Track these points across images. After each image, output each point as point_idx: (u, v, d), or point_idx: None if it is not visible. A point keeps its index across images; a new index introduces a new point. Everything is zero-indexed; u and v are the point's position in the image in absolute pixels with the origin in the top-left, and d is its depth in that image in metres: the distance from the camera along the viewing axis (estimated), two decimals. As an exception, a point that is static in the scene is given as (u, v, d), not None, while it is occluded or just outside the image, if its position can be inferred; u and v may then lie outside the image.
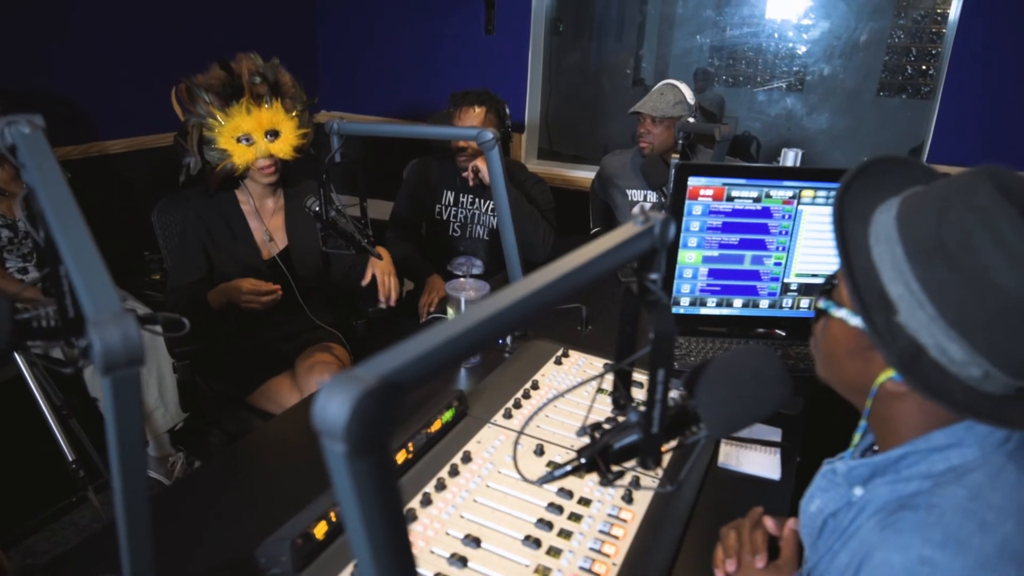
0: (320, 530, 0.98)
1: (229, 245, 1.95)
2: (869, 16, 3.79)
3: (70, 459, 1.90)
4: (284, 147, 1.88)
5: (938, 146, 2.96)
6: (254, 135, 1.82)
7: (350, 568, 0.95)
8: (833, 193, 1.49)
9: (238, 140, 1.81)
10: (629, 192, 2.59)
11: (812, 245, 1.53)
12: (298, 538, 0.94)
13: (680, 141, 2.14)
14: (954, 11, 2.83)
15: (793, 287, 1.57)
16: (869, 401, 0.79)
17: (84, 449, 1.96)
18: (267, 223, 2.02)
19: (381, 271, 1.96)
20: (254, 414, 1.95)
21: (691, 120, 2.33)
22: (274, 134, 1.86)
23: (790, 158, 2.01)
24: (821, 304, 0.82)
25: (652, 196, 2.55)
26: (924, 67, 4.01)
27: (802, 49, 4.00)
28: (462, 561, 0.98)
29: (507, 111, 2.42)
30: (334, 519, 1.00)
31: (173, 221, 2.06)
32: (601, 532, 1.07)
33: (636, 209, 2.55)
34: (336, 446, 0.45)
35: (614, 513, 1.11)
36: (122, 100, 2.88)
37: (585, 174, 3.53)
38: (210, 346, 1.99)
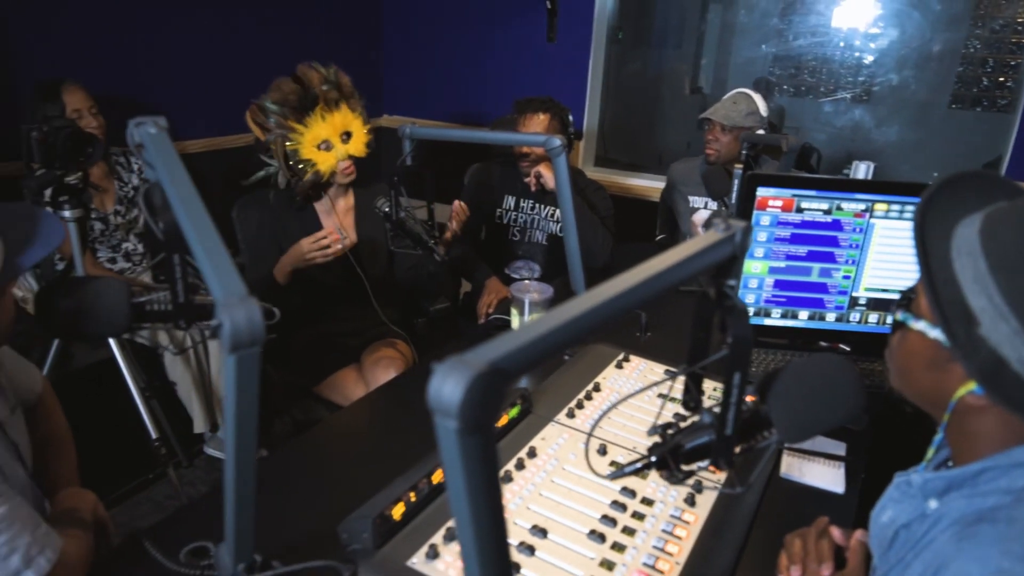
0: (397, 511, 1.04)
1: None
2: (945, 26, 3.70)
3: (153, 437, 2.02)
4: (357, 146, 1.97)
5: (1018, 160, 2.89)
6: (332, 140, 1.91)
7: (424, 548, 1.01)
8: (908, 207, 1.50)
9: (318, 147, 1.90)
10: (691, 199, 2.62)
11: (884, 259, 1.54)
12: (378, 517, 1.01)
13: (744, 152, 2.15)
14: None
15: (862, 301, 1.58)
16: (947, 415, 0.80)
17: (163, 429, 2.08)
18: (340, 220, 2.11)
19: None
20: (321, 404, 2.04)
21: (760, 132, 2.34)
22: (347, 135, 1.95)
23: (861, 171, 2.00)
24: (899, 316, 0.83)
25: (713, 204, 2.56)
26: (1002, 79, 3.90)
27: (869, 59, 3.93)
28: (530, 549, 1.03)
29: (570, 118, 2.47)
30: (413, 499, 1.06)
31: (251, 218, 2.16)
32: (664, 531, 1.10)
33: (697, 216, 2.57)
34: (448, 423, 0.50)
35: (676, 514, 1.14)
36: (200, 104, 3.06)
37: (642, 182, 3.55)
38: (280, 337, 2.09)
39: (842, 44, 3.99)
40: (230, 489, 0.83)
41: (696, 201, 2.61)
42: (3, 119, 2.35)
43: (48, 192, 1.88)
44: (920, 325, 0.80)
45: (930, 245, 0.78)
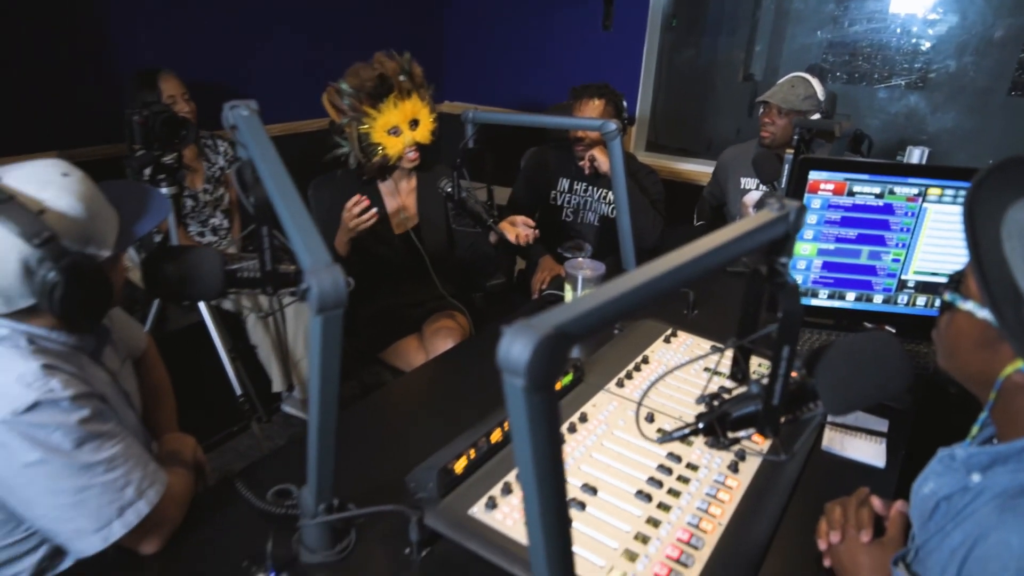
0: (460, 465, 1.08)
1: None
2: (1008, 11, 3.49)
3: (238, 394, 2.12)
4: (424, 133, 2.00)
5: (1075, 149, 2.74)
6: (401, 126, 1.94)
7: (483, 499, 1.05)
8: (962, 192, 1.44)
9: (388, 132, 1.94)
10: (743, 180, 2.57)
11: (935, 243, 1.49)
12: (442, 470, 1.05)
13: (796, 136, 2.10)
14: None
15: (910, 284, 1.53)
16: (993, 393, 0.79)
17: (246, 387, 2.18)
18: (402, 202, 2.15)
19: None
20: (386, 369, 2.10)
21: (815, 117, 2.27)
22: (415, 123, 1.98)
23: (915, 156, 1.93)
24: (948, 297, 0.82)
25: (764, 186, 2.51)
26: (1065, 66, 3.66)
27: (926, 45, 3.74)
28: (581, 505, 1.06)
29: (624, 104, 2.44)
30: (473, 456, 1.10)
31: (324, 197, 2.22)
32: (708, 495, 1.11)
33: (748, 197, 2.52)
34: (516, 381, 0.52)
35: (720, 479, 1.15)
36: (278, 91, 3.15)
37: (691, 167, 3.49)
38: (348, 308, 2.15)
39: (899, 30, 3.82)
40: (313, 437, 0.87)
41: (748, 183, 2.56)
42: (107, 105, 2.47)
43: (147, 171, 1.97)
44: (968, 305, 0.79)
45: (980, 227, 0.77)
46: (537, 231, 2.03)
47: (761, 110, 2.46)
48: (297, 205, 0.83)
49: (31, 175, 0.93)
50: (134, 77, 2.35)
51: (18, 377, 0.89)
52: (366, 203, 1.88)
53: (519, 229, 1.99)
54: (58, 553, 1.06)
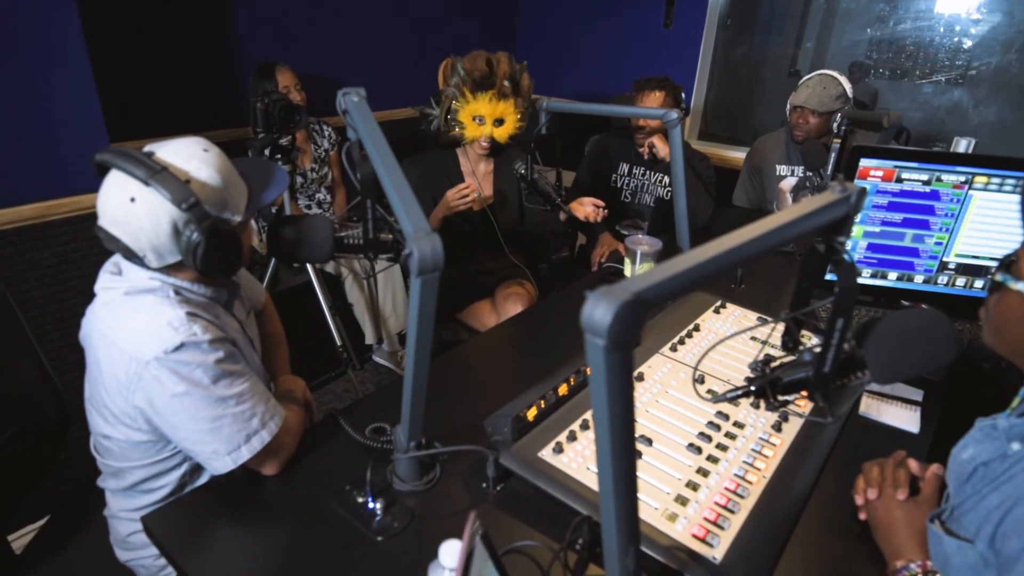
0: (531, 414, 1.08)
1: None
2: (1055, 8, 3.17)
3: (338, 344, 2.19)
4: (504, 133, 1.96)
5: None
6: (486, 119, 1.92)
7: (552, 444, 1.04)
8: (1008, 181, 1.33)
9: (473, 119, 1.92)
10: (778, 167, 2.44)
11: (978, 228, 1.37)
12: (515, 417, 1.05)
13: (844, 128, 1.97)
14: None
15: (951, 266, 1.43)
16: None
17: (344, 339, 2.25)
18: (480, 181, 2.14)
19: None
20: (463, 328, 2.12)
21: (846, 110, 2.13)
22: (499, 121, 1.95)
23: (962, 146, 1.78)
24: (1000, 277, 0.76)
25: (799, 171, 2.38)
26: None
27: (968, 43, 3.44)
28: (638, 454, 1.04)
29: (683, 96, 2.35)
30: (543, 406, 1.09)
31: (412, 176, 2.24)
32: (753, 450, 1.08)
33: (785, 183, 2.40)
34: (598, 341, 0.50)
35: (765, 437, 1.12)
36: (374, 82, 3.15)
37: (739, 154, 3.34)
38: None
39: (942, 29, 3.52)
40: (408, 383, 0.89)
41: (782, 169, 2.43)
42: (233, 94, 2.55)
43: (267, 151, 2.03)
44: (1020, 286, 0.73)
45: None
46: (606, 211, 1.98)
47: (790, 109, 2.31)
48: (400, 180, 0.83)
49: (178, 150, 0.96)
50: (256, 69, 2.41)
51: (168, 322, 0.93)
52: (474, 189, 1.89)
53: (587, 209, 1.96)
54: (197, 470, 1.12)
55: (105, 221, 0.94)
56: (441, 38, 3.39)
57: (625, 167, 2.52)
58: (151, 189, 0.90)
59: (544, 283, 2.25)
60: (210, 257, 0.94)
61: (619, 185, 2.54)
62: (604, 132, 2.66)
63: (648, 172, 2.48)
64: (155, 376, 0.92)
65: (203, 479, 1.12)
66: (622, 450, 0.57)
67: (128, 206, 0.91)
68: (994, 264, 1.26)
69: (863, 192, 0.74)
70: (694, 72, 3.33)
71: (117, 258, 1.02)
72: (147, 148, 0.96)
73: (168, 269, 0.99)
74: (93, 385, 1.02)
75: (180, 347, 0.92)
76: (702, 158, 2.43)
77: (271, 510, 0.98)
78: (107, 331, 0.96)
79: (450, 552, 0.66)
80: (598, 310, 0.49)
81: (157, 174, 0.90)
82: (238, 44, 2.59)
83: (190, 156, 0.95)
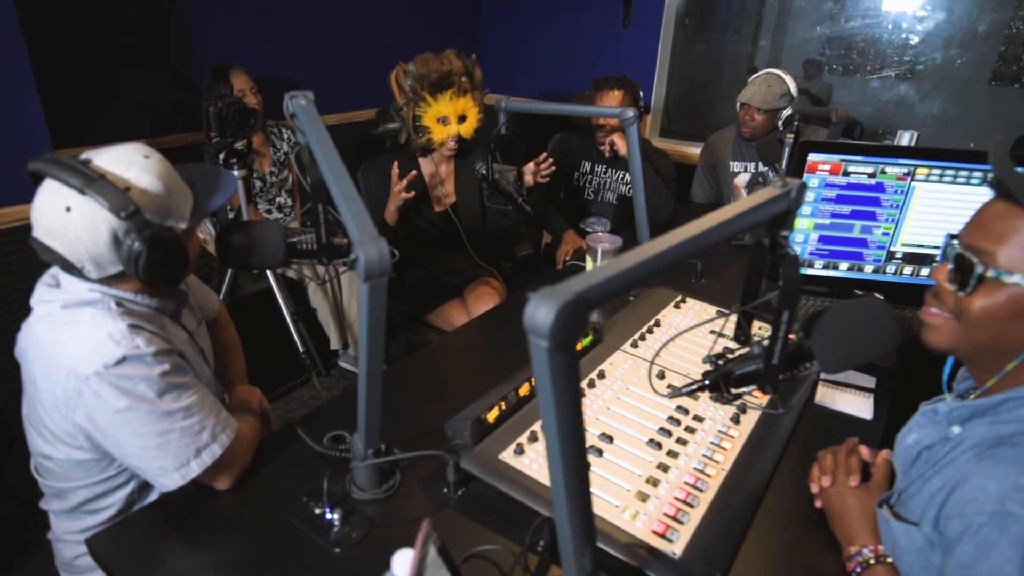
0: (492, 415, 1.07)
1: (411, 199, 2.06)
2: (992, 7, 3.30)
3: (301, 350, 2.14)
4: (467, 128, 1.94)
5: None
6: (450, 118, 1.90)
7: (512, 446, 1.03)
8: (947, 172, 1.36)
9: (438, 121, 1.89)
10: (731, 164, 2.48)
11: (921, 218, 1.41)
12: (476, 419, 1.03)
13: (796, 123, 2.01)
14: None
15: (898, 255, 1.46)
16: (1012, 364, 0.74)
17: (307, 345, 2.20)
18: (441, 183, 2.12)
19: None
20: (431, 330, 2.10)
21: (790, 109, 2.17)
22: (463, 118, 1.93)
23: (905, 139, 1.83)
24: (990, 274, 0.73)
25: (751, 167, 2.42)
26: (1042, 57, 3.44)
27: (915, 39, 3.56)
28: (598, 451, 1.04)
29: (641, 94, 2.36)
30: (504, 407, 1.08)
31: (372, 178, 2.21)
32: (712, 444, 1.09)
33: (739, 179, 2.44)
34: (541, 342, 0.49)
35: (723, 430, 1.12)
36: (333, 84, 3.10)
37: (700, 151, 3.39)
38: (396, 276, 2.15)
39: (890, 26, 3.63)
40: (363, 390, 0.86)
41: (736, 166, 2.48)
42: (188, 98, 2.47)
43: (221, 156, 1.97)
44: (1015, 279, 0.72)
45: None
46: (552, 166, 2.02)
47: (739, 107, 2.35)
48: (347, 184, 0.81)
49: (117, 157, 0.92)
50: (209, 72, 2.34)
51: (108, 334, 0.89)
52: (412, 175, 1.85)
53: (527, 178, 1.99)
54: (145, 487, 1.08)
55: (40, 232, 0.89)
56: (401, 39, 3.35)
57: (587, 165, 2.52)
58: (87, 198, 0.86)
59: (508, 282, 2.24)
60: (153, 266, 0.90)
61: (582, 183, 2.54)
62: (566, 131, 2.66)
63: (610, 170, 2.49)
64: (95, 391, 0.88)
65: (152, 496, 1.08)
66: (572, 450, 0.56)
67: (63, 216, 0.87)
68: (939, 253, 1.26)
69: (803, 187, 0.75)
70: (653, 70, 3.36)
71: (55, 270, 0.97)
72: (84, 155, 0.92)
73: (109, 280, 0.95)
74: (30, 403, 0.97)
75: (122, 360, 0.88)
76: (662, 155, 2.45)
77: (225, 526, 0.95)
78: (44, 345, 0.91)
79: (402, 562, 0.65)
80: (540, 311, 0.48)
81: (94, 182, 0.86)
82: (193, 46, 2.51)
83: (130, 163, 0.92)
